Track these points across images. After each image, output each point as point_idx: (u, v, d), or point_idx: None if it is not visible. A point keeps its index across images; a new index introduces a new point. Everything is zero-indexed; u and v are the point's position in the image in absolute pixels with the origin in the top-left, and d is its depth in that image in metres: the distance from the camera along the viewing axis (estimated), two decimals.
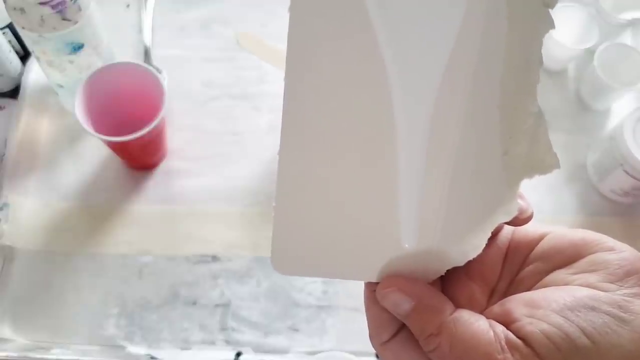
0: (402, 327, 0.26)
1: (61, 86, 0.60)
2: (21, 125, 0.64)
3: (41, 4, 0.50)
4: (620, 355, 0.21)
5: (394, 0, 0.24)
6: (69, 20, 0.52)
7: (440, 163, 0.25)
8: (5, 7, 0.51)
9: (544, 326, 0.22)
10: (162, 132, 0.59)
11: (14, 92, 0.66)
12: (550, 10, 0.24)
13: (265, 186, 0.62)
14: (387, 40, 0.24)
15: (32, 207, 0.60)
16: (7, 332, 0.55)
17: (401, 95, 0.25)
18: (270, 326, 0.56)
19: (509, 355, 0.22)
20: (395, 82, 0.24)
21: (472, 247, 0.26)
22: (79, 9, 0.53)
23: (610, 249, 0.24)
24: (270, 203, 0.61)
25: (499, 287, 0.27)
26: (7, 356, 0.53)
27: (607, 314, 0.22)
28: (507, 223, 0.26)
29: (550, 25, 0.24)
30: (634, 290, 0.22)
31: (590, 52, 0.65)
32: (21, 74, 0.67)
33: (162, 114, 0.54)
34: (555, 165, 0.25)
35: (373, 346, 0.27)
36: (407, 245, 0.26)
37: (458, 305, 0.25)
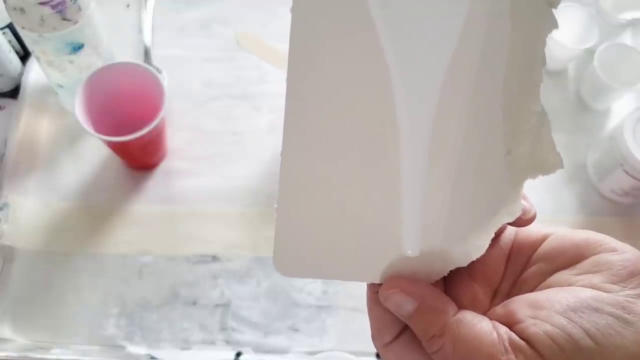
0: (405, 329, 0.26)
1: (61, 86, 0.60)
2: (21, 125, 0.64)
3: (41, 4, 0.50)
4: (623, 357, 0.21)
5: (395, 1, 0.24)
6: (69, 20, 0.52)
7: (443, 163, 0.25)
8: (5, 7, 0.51)
9: (548, 327, 0.22)
10: (162, 132, 0.59)
11: (14, 92, 0.66)
12: (553, 10, 0.24)
13: (265, 186, 0.62)
14: (390, 39, 0.24)
15: (32, 207, 0.60)
16: (7, 332, 0.55)
17: (404, 95, 0.25)
18: (270, 326, 0.56)
19: (512, 356, 0.22)
20: (397, 81, 0.24)
21: (476, 247, 0.26)
22: (79, 9, 0.53)
23: (613, 250, 0.24)
24: (271, 203, 0.61)
25: (501, 288, 0.27)
26: (7, 356, 0.53)
27: (611, 315, 0.22)
28: (511, 224, 0.26)
29: (554, 24, 0.24)
30: (637, 291, 0.22)
31: (590, 52, 0.65)
32: (21, 74, 0.67)
33: (162, 114, 0.54)
34: (559, 165, 0.25)
35: (376, 347, 0.27)
36: (410, 252, 0.26)
37: (461, 307, 0.25)
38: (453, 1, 0.24)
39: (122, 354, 0.54)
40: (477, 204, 0.26)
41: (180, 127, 0.65)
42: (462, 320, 0.24)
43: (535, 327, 0.22)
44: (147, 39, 0.70)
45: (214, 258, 0.59)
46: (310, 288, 0.58)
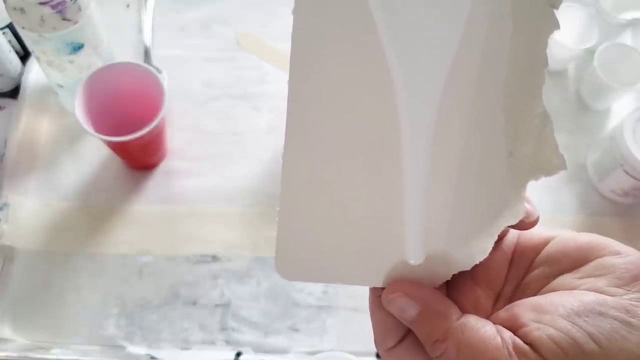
0: (408, 333, 0.26)
1: (61, 86, 0.60)
2: (21, 125, 0.64)
3: (41, 4, 0.50)
4: None
5: (398, 3, 0.24)
6: (69, 20, 0.52)
7: (445, 166, 0.25)
8: (5, 7, 0.51)
9: (552, 331, 0.22)
10: (162, 132, 0.59)
11: (14, 92, 0.66)
12: (555, 10, 0.24)
13: (265, 186, 0.62)
14: (391, 42, 0.24)
15: (32, 207, 0.60)
16: (7, 332, 0.55)
17: (405, 98, 0.24)
18: (270, 326, 0.56)
19: None
20: (399, 84, 0.24)
21: (479, 250, 0.26)
22: (79, 9, 0.53)
23: (617, 253, 0.24)
24: (271, 203, 0.61)
25: (504, 291, 0.27)
26: (7, 356, 0.53)
27: (615, 319, 0.22)
28: (514, 227, 0.26)
29: (555, 25, 0.24)
30: None
31: (590, 52, 0.65)
32: (21, 74, 0.67)
33: (162, 114, 0.54)
34: (562, 166, 0.25)
35: (379, 352, 0.27)
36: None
37: (463, 311, 0.25)
38: (454, 4, 0.24)
39: (122, 354, 0.54)
40: (480, 206, 0.26)
41: (180, 127, 0.65)
42: (466, 325, 0.23)
43: (539, 331, 0.22)
44: (147, 39, 0.69)
45: (214, 258, 0.59)
46: (311, 288, 0.58)
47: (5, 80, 0.65)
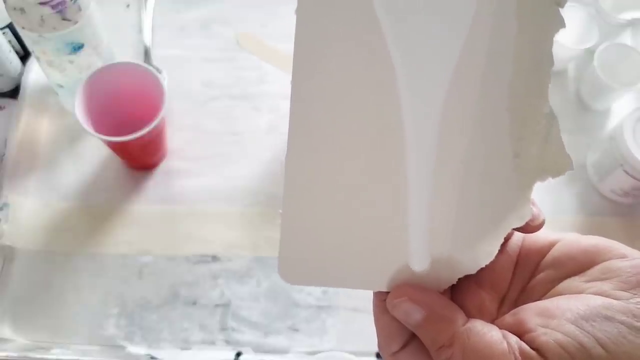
0: (412, 338, 0.26)
1: (61, 86, 0.60)
2: (21, 125, 0.64)
3: (41, 4, 0.50)
4: None
5: (402, 2, 0.24)
6: (69, 20, 0.52)
7: (450, 167, 0.25)
8: (5, 7, 0.51)
9: (558, 336, 0.22)
10: (162, 132, 0.59)
11: (14, 92, 0.66)
12: (560, 9, 0.24)
13: (265, 186, 0.62)
14: (395, 41, 0.24)
15: (32, 207, 0.60)
16: (7, 332, 0.55)
17: (409, 98, 0.24)
18: (270, 326, 0.56)
19: None
20: (403, 84, 0.24)
21: (485, 253, 0.25)
22: (79, 9, 0.53)
23: (623, 256, 0.24)
24: (271, 203, 0.61)
25: (509, 295, 0.27)
26: (7, 356, 0.53)
27: (622, 324, 0.21)
28: (519, 230, 0.26)
29: (561, 24, 0.24)
30: None
31: (590, 52, 0.65)
32: (21, 74, 0.67)
33: (162, 114, 0.54)
34: (569, 166, 0.25)
35: (383, 357, 0.27)
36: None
37: (468, 314, 0.25)
38: (459, 3, 0.24)
39: (122, 354, 0.54)
40: (485, 208, 0.25)
41: (180, 127, 0.65)
42: (472, 330, 0.23)
43: (546, 336, 0.22)
44: (147, 39, 0.69)
45: (214, 258, 0.59)
46: (311, 288, 0.58)
47: (5, 80, 0.65)
